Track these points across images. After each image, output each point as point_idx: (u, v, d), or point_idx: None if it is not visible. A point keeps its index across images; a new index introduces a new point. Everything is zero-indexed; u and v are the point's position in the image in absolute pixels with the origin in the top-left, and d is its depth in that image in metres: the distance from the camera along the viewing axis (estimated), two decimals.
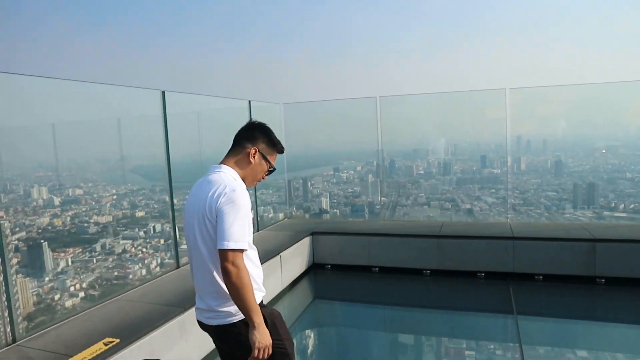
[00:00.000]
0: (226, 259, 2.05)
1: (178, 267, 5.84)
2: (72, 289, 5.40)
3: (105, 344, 3.59)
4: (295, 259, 6.91)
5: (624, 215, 8.45)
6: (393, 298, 6.91)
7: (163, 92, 5.65)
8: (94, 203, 6.21)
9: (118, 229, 6.40)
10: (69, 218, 5.79)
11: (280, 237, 7.11)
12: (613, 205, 8.73)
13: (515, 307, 6.03)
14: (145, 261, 6.37)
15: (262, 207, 9.68)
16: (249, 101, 7.61)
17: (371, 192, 9.77)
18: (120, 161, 6.79)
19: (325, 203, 10.20)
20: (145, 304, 4.52)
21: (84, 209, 6.02)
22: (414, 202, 9.89)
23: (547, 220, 8.53)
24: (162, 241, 6.91)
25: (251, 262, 2.27)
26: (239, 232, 2.08)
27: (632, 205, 8.52)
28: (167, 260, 6.34)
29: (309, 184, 10.47)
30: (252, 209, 2.45)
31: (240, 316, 2.19)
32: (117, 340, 3.64)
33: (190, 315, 4.39)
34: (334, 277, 7.44)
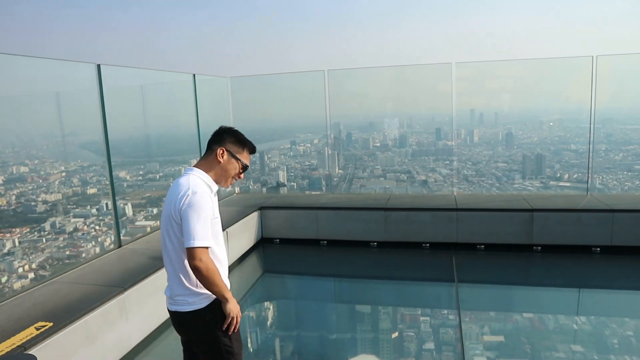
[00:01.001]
0: (193, 256, 2.25)
1: (120, 246, 5.75)
2: (20, 270, 5.25)
3: (37, 329, 3.51)
4: (243, 234, 6.95)
5: (567, 184, 8.79)
6: (341, 270, 7.07)
7: (98, 66, 5.48)
8: (41, 181, 6.02)
9: (68, 207, 6.24)
10: (14, 197, 5.59)
11: (228, 213, 7.11)
12: (559, 175, 9.05)
13: (456, 275, 6.25)
14: (99, 239, 6.25)
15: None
16: (194, 75, 7.48)
17: (328, 165, 9.80)
18: (70, 136, 6.60)
19: (282, 176, 10.22)
20: (84, 285, 4.45)
21: (30, 187, 5.81)
22: (370, 175, 10.01)
23: (498, 191, 8.79)
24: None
25: (217, 260, 2.43)
26: (202, 231, 2.26)
27: (575, 175, 8.84)
28: (104, 236, 6.23)
29: (266, 157, 10.44)
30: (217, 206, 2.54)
31: (194, 306, 2.43)
32: (51, 324, 3.56)
33: (131, 295, 4.39)
34: (283, 251, 7.53)
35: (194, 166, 2.50)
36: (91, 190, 6.63)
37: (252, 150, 2.60)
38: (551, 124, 9.48)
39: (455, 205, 7.15)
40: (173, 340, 4.70)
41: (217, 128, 2.60)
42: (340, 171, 9.99)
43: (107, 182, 6.16)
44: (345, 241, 7.35)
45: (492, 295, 6.25)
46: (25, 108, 5.56)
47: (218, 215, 2.49)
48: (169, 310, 2.56)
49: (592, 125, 7.57)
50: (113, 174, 6.25)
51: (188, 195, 2.29)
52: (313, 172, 10.24)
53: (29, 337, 3.36)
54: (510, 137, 9.53)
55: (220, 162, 2.48)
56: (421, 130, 10.18)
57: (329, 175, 9.73)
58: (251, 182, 10.17)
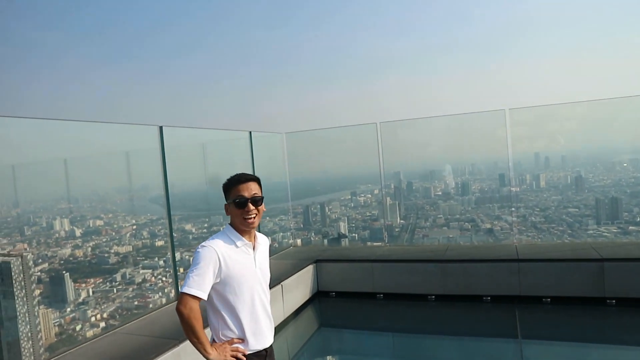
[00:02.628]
0: (179, 301, 2.34)
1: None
2: (92, 319, 5.58)
3: None
4: (299, 287, 7.00)
5: None
6: (398, 324, 6.90)
7: (161, 128, 5.93)
8: (114, 233, 6.44)
9: (138, 258, 6.61)
10: (89, 249, 6.00)
11: (284, 266, 7.22)
12: (639, 219, 8.43)
13: (520, 330, 5.91)
14: (165, 290, 6.51)
15: (281, 234, 9.84)
16: (250, 132, 7.85)
17: (389, 215, 9.74)
18: (140, 191, 7.06)
19: (343, 227, 10.25)
20: (141, 336, 4.64)
21: (104, 240, 6.24)
22: (433, 224, 9.82)
23: (571, 238, 8.32)
24: (181, 270, 7.09)
25: (241, 312, 2.54)
26: (194, 281, 2.34)
27: None
28: (171, 288, 6.47)
29: (327, 209, 10.56)
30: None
31: None
32: None
33: (186, 347, 4.50)
34: (339, 305, 7.47)
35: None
36: (159, 243, 6.97)
37: (234, 182, 2.59)
38: (625, 164, 8.94)
39: (517, 255, 6.84)
40: None
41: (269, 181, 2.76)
42: (401, 221, 9.89)
43: (175, 235, 6.49)
44: (402, 294, 7.19)
45: (562, 353, 5.81)
46: (99, 167, 6.09)
47: (251, 269, 2.55)
48: None
49: None
50: (179, 226, 6.57)
51: (197, 248, 2.45)
52: (374, 223, 10.20)
53: None
54: (580, 180, 9.06)
55: (230, 214, 2.61)
56: (484, 177, 9.93)
57: (390, 225, 9.65)
58: (312, 234, 10.28)
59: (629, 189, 8.76)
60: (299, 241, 9.64)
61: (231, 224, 2.61)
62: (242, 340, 2.54)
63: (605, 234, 8.20)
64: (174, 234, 7.11)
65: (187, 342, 4.50)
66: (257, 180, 2.66)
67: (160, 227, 6.96)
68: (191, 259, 7.39)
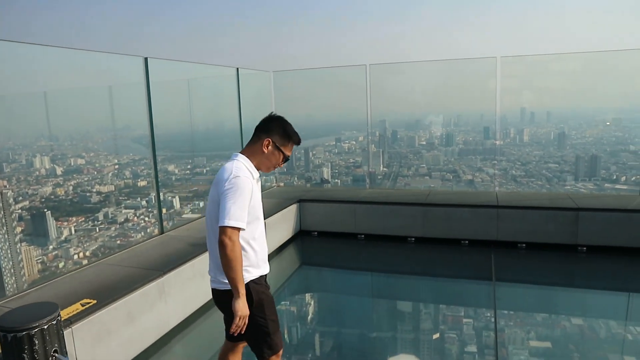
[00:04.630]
0: (223, 233, 2.31)
1: (162, 232, 5.99)
2: (75, 256, 5.59)
3: (83, 305, 3.74)
4: (282, 225, 7.08)
5: (624, 187, 8.35)
6: (378, 264, 7.06)
7: (146, 59, 5.72)
8: (95, 172, 6.39)
9: (120, 198, 6.59)
10: (71, 187, 5.97)
11: (268, 204, 7.26)
12: (615, 177, 8.62)
13: (494, 273, 6.12)
14: (148, 230, 6.52)
15: (263, 177, 9.85)
16: (237, 69, 7.68)
17: (373, 162, 9.78)
18: (123, 130, 6.94)
19: (326, 173, 10.30)
20: (126, 267, 4.69)
21: (86, 179, 6.20)
22: (415, 173, 9.92)
23: (547, 192, 8.50)
24: (164, 210, 7.09)
25: (257, 242, 2.57)
26: (237, 213, 2.33)
27: (633, 178, 8.41)
28: (153, 228, 6.49)
29: (311, 154, 10.56)
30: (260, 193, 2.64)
31: (229, 287, 2.47)
32: (94, 302, 3.79)
33: (170, 279, 4.58)
34: (321, 244, 7.60)
35: (239, 152, 2.61)
36: (142, 183, 6.93)
37: (297, 142, 2.68)
38: (608, 123, 9.04)
39: (497, 202, 6.98)
40: (210, 324, 4.90)
41: (268, 115, 2.69)
42: (384, 169, 9.96)
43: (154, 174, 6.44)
44: (383, 236, 7.34)
45: (532, 296, 6.05)
46: (81, 101, 5.88)
47: (260, 202, 2.59)
48: (211, 288, 2.67)
49: None
50: (162, 167, 6.51)
51: (230, 178, 2.38)
52: (357, 170, 10.25)
53: (74, 312, 3.59)
54: (563, 136, 9.18)
55: (264, 152, 2.58)
56: (469, 128, 9.98)
57: (373, 172, 9.71)
58: (295, 178, 10.32)
59: (609, 148, 8.92)
60: (282, 184, 9.68)
61: (247, 156, 2.59)
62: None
63: (582, 190, 8.40)
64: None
65: (172, 273, 4.62)
66: None
67: (142, 167, 6.90)
68: (174, 199, 7.41)
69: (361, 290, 6.39)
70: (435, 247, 7.06)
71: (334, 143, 10.78)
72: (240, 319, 2.40)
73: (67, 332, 3.33)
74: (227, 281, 2.44)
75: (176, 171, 7.89)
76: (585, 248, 6.46)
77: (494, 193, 7.74)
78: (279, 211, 6.99)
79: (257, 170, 2.63)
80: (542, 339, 4.75)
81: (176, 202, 7.55)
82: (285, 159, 2.66)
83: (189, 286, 4.84)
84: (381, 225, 7.31)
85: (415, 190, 8.64)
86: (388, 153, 10.05)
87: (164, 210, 7.03)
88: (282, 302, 5.69)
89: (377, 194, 8.00)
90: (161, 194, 6.94)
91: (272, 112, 2.70)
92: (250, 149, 2.61)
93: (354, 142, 10.64)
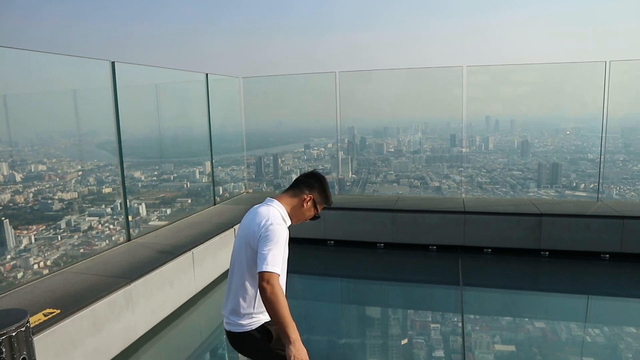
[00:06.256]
0: (263, 279, 2.27)
1: (129, 239, 5.87)
2: (35, 266, 5.37)
3: (45, 315, 3.63)
4: None
5: (583, 194, 8.65)
6: (348, 271, 7.10)
7: (113, 63, 5.62)
8: (58, 179, 6.17)
9: (84, 205, 6.38)
10: (31, 194, 5.74)
11: (235, 211, 7.21)
12: (574, 184, 8.93)
13: (461, 278, 6.23)
14: (113, 238, 6.36)
15: (232, 184, 9.78)
16: (207, 74, 7.62)
17: (342, 169, 9.84)
18: (88, 136, 6.76)
19: None
20: (91, 275, 4.58)
21: (47, 185, 5.98)
22: (384, 180, 10.02)
23: (512, 198, 8.71)
24: (130, 217, 6.93)
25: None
26: (276, 259, 2.31)
27: (592, 185, 8.70)
28: (118, 236, 6.34)
29: (280, 160, 10.55)
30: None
31: (248, 328, 2.51)
32: (58, 311, 3.68)
33: (137, 287, 4.48)
34: (290, 250, 7.52)
35: (275, 198, 2.64)
36: (106, 190, 6.74)
37: (330, 203, 2.79)
38: (568, 132, 9.39)
39: (463, 208, 7.13)
40: (178, 333, 4.82)
41: (310, 170, 2.79)
42: (353, 176, 10.03)
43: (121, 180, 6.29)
44: (353, 242, 7.38)
45: (498, 299, 6.20)
46: (43, 106, 5.70)
47: (286, 254, 2.59)
48: (225, 330, 2.66)
49: (604, 133, 7.48)
50: (128, 174, 6.36)
51: (268, 226, 2.39)
52: (326, 176, 10.27)
53: (36, 323, 3.48)
54: (526, 145, 9.46)
55: (303, 206, 2.64)
56: (436, 136, 10.17)
57: (342, 179, 9.77)
58: (264, 185, 10.28)
59: (569, 156, 9.24)
60: (250, 190, 9.63)
61: (284, 205, 2.62)
62: None
63: (544, 196, 8.67)
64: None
65: (139, 281, 4.53)
66: None
67: (108, 173, 6.74)
68: (140, 207, 7.25)
69: (330, 296, 6.41)
70: (404, 252, 7.14)
71: (303, 150, 10.80)
72: None
73: None
74: (243, 322, 2.50)
75: (142, 178, 7.73)
76: (547, 252, 6.67)
77: (460, 199, 7.90)
78: None
79: (291, 219, 2.68)
80: (507, 343, 4.87)
81: (142, 210, 7.39)
82: (316, 217, 2.75)
83: (157, 294, 4.76)
84: (350, 231, 7.35)
85: (384, 197, 8.72)
86: (357, 160, 10.14)
87: (130, 218, 6.89)
88: None
89: (346, 200, 8.05)
90: (127, 200, 6.82)
91: (315, 169, 2.82)
92: (289, 199, 2.66)
93: (323, 149, 10.68)
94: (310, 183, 2.69)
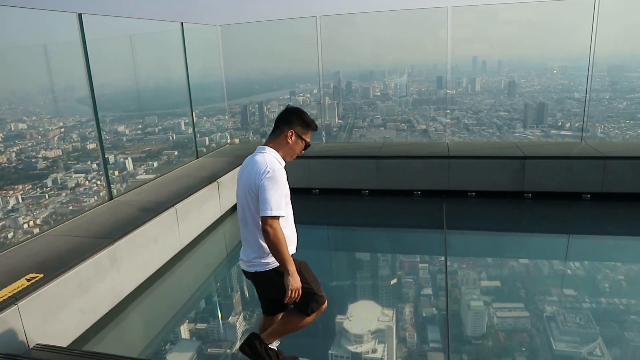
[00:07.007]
0: (266, 223, 2.54)
1: (111, 198, 5.82)
2: (25, 225, 5.35)
3: (28, 280, 3.60)
4: (234, 184, 6.99)
5: (569, 133, 8.67)
6: (334, 218, 7.19)
7: (80, 15, 5.36)
8: (40, 137, 6.07)
9: (69, 162, 6.30)
10: (14, 154, 5.65)
11: (220, 163, 7.18)
12: (560, 124, 8.92)
13: (445, 222, 6.33)
14: (101, 193, 6.32)
15: (219, 134, 9.68)
16: (182, 23, 7.33)
17: (328, 115, 9.74)
18: (67, 91, 6.57)
19: None
20: (74, 237, 4.55)
21: (29, 144, 5.87)
22: (370, 124, 9.97)
23: (498, 140, 8.72)
24: (117, 173, 6.86)
25: (287, 225, 2.76)
26: (277, 202, 2.56)
27: (577, 124, 8.70)
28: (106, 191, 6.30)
29: (265, 108, 10.41)
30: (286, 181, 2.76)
31: (270, 267, 2.74)
32: (41, 276, 3.67)
33: (121, 246, 4.49)
34: None
35: (264, 145, 2.79)
36: (91, 146, 6.62)
37: (315, 129, 2.88)
38: (555, 71, 9.27)
39: (448, 153, 7.14)
40: (165, 289, 4.90)
41: (285, 107, 2.86)
42: (339, 121, 9.95)
43: (107, 137, 6.17)
44: (337, 190, 7.42)
45: (482, 241, 6.34)
46: (14, 62, 5.50)
47: (288, 189, 2.74)
48: (245, 272, 2.87)
49: (590, 72, 7.39)
50: (112, 128, 6.25)
51: (268, 171, 2.57)
52: None
53: (20, 289, 3.46)
54: (513, 85, 9.36)
55: (289, 143, 2.77)
56: (422, 79, 10.02)
57: (328, 125, 9.69)
58: (251, 134, 10.19)
59: (555, 95, 9.18)
60: (236, 140, 9.54)
61: (274, 148, 2.76)
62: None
63: (530, 136, 8.68)
64: (107, 137, 6.80)
65: (122, 240, 4.54)
66: None
67: (90, 129, 6.57)
68: (126, 161, 7.16)
69: (318, 243, 6.51)
70: (389, 198, 7.21)
71: (289, 97, 10.64)
72: (292, 291, 2.64)
73: (13, 310, 3.28)
74: (268, 261, 2.71)
75: (127, 132, 7.62)
76: (530, 195, 6.75)
77: (445, 144, 7.89)
78: (231, 170, 6.92)
79: (285, 158, 2.81)
80: (492, 279, 5.07)
81: (129, 164, 7.33)
82: (307, 146, 2.86)
83: (141, 252, 4.80)
84: (335, 179, 7.38)
85: (369, 143, 8.70)
86: (343, 105, 10.02)
87: (116, 173, 6.83)
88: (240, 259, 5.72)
89: (330, 148, 8.02)
90: (112, 155, 6.73)
91: (288, 105, 2.93)
92: (275, 141, 2.79)
93: (309, 95, 10.52)
94: (287, 118, 2.79)
